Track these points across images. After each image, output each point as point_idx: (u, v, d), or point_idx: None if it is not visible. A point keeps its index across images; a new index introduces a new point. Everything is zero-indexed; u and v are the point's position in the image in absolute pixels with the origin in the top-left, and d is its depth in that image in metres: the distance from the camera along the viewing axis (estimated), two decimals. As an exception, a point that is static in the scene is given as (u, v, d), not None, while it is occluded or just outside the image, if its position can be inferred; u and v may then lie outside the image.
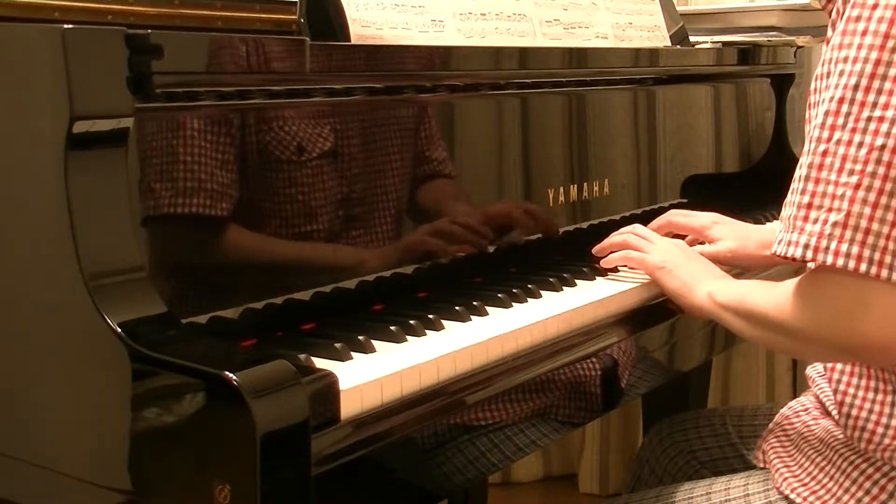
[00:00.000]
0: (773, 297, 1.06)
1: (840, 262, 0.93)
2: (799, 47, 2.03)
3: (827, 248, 0.94)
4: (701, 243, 1.53)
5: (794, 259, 0.97)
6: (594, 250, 1.41)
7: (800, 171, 0.98)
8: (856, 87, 0.94)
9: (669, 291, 1.30)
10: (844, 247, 0.93)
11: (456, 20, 1.39)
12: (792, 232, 0.97)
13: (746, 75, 1.97)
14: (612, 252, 1.39)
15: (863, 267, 0.93)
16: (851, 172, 0.94)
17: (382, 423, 0.96)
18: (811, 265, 1.01)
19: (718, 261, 1.39)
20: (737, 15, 2.13)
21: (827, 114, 0.96)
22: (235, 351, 0.98)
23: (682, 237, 1.51)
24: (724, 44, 1.99)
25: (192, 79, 1.02)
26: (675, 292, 1.28)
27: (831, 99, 0.96)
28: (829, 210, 0.95)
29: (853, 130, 0.94)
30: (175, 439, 0.88)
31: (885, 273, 0.92)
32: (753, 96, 1.99)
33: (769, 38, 2.03)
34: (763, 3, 2.20)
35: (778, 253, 0.99)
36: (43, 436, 0.98)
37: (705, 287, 1.23)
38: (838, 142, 0.95)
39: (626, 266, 1.38)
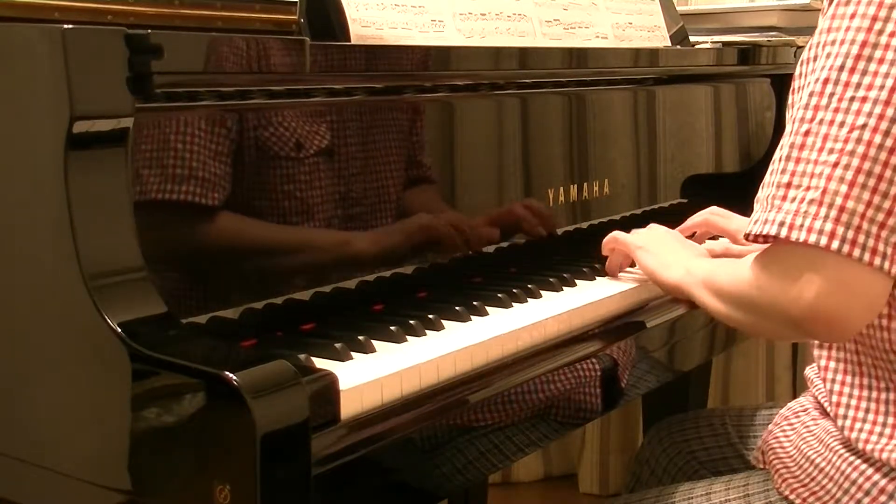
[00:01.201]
0: (734, 271, 1.06)
1: (812, 238, 0.93)
2: (799, 47, 2.03)
3: (801, 226, 0.93)
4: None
5: (767, 237, 0.96)
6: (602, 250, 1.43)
7: (780, 152, 0.98)
8: (841, 68, 0.94)
9: (647, 270, 1.30)
10: (818, 224, 0.93)
11: (456, 20, 1.39)
12: (770, 211, 0.96)
13: (746, 75, 1.96)
14: (609, 248, 1.41)
15: (835, 244, 0.92)
16: (831, 151, 0.93)
17: (382, 423, 0.96)
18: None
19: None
20: (737, 15, 2.13)
21: (812, 94, 0.96)
22: (235, 351, 0.98)
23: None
24: (724, 44, 1.99)
25: (192, 79, 1.02)
26: (652, 271, 1.29)
27: (816, 80, 0.96)
28: (808, 188, 0.94)
29: (836, 110, 0.94)
30: (175, 439, 0.88)
31: (857, 252, 0.92)
32: (753, 96, 1.99)
33: (769, 38, 2.03)
34: (763, 3, 2.20)
35: (753, 232, 0.98)
36: (43, 436, 0.98)
37: (684, 263, 1.23)
38: (821, 121, 0.95)
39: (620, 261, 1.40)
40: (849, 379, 1.09)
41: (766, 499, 1.15)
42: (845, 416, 1.08)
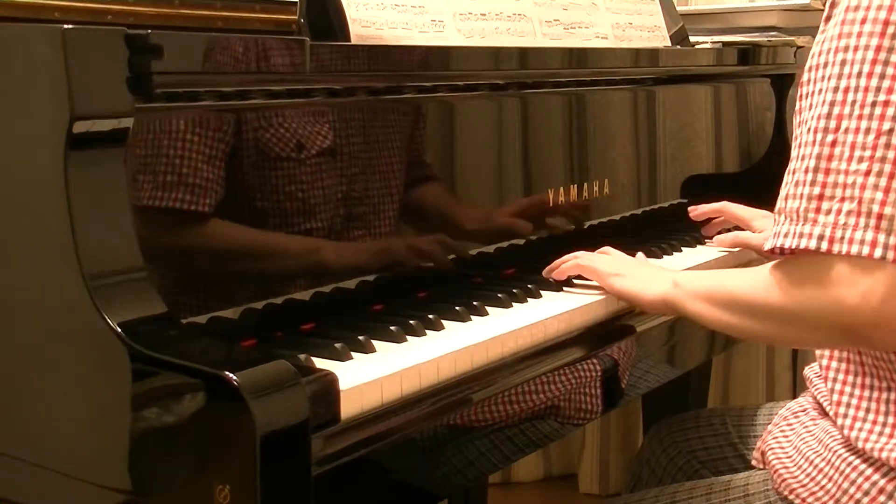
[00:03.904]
0: (755, 281, 1.05)
1: (854, 249, 0.93)
2: (799, 47, 2.03)
3: (843, 238, 0.93)
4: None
5: (806, 251, 0.96)
6: (544, 273, 1.36)
7: (805, 163, 0.97)
8: (859, 75, 0.94)
9: (626, 293, 1.27)
10: (858, 234, 0.93)
11: (456, 20, 1.39)
12: (804, 224, 0.96)
13: (746, 75, 1.96)
14: (560, 273, 1.35)
15: (878, 252, 0.92)
16: (861, 160, 0.93)
17: (382, 423, 0.96)
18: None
19: (755, 247, 1.45)
20: (737, 15, 2.13)
21: (832, 104, 0.96)
22: (235, 351, 0.98)
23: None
24: (724, 44, 1.99)
25: (192, 79, 1.02)
26: (630, 292, 1.26)
27: (835, 89, 0.96)
28: (842, 199, 0.94)
29: (860, 117, 0.94)
30: (175, 439, 0.88)
31: None
32: (753, 96, 1.99)
33: (769, 38, 2.03)
34: (763, 3, 2.20)
35: (786, 246, 0.97)
36: (43, 436, 0.98)
37: (667, 278, 1.21)
38: (846, 130, 0.95)
39: (579, 277, 1.35)
40: (850, 378, 1.09)
41: (766, 499, 1.15)
42: (845, 416, 1.08)
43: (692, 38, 1.93)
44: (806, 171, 0.97)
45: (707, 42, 1.99)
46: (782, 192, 1.00)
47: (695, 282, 1.17)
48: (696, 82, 1.83)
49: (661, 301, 1.21)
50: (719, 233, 1.62)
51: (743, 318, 1.07)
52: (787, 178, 1.00)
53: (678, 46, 1.83)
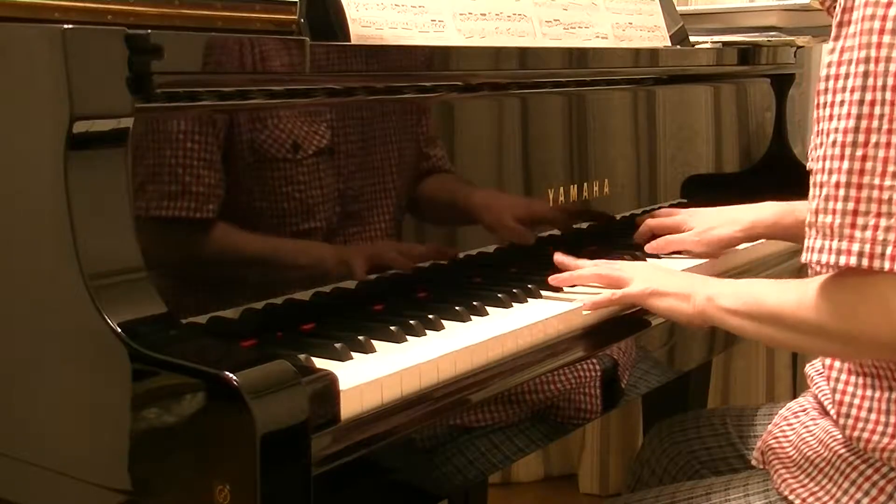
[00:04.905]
0: (804, 300, 1.03)
1: None
2: (799, 47, 2.03)
3: (883, 255, 0.93)
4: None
5: (847, 268, 0.96)
6: (553, 282, 1.33)
7: (834, 177, 0.97)
8: (884, 88, 0.94)
9: (665, 311, 1.24)
10: None
11: (456, 20, 1.39)
12: (840, 240, 0.96)
13: (746, 75, 1.96)
14: (577, 283, 1.33)
15: None
16: (895, 175, 0.94)
17: (382, 423, 0.96)
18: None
19: (687, 249, 1.44)
20: (737, 15, 2.13)
21: (859, 117, 0.95)
22: (235, 351, 0.98)
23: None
24: (724, 44, 1.99)
25: (192, 79, 1.02)
26: (670, 310, 1.23)
27: (861, 102, 0.95)
28: (878, 215, 0.94)
29: (889, 132, 0.94)
30: (175, 439, 0.88)
31: None
32: (753, 96, 1.99)
33: (769, 38, 2.03)
34: (763, 3, 2.20)
35: (822, 261, 0.97)
36: (43, 436, 0.98)
37: (700, 293, 1.19)
38: (876, 145, 0.94)
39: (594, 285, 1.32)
40: (853, 378, 1.09)
41: (766, 499, 1.15)
42: (847, 415, 1.08)
43: (692, 38, 1.93)
44: (836, 186, 0.96)
45: (707, 42, 1.99)
46: (811, 206, 0.99)
47: (731, 296, 1.15)
48: (696, 82, 1.83)
49: (700, 317, 1.19)
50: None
51: (793, 334, 1.07)
52: (813, 191, 0.99)
53: (678, 46, 1.83)
